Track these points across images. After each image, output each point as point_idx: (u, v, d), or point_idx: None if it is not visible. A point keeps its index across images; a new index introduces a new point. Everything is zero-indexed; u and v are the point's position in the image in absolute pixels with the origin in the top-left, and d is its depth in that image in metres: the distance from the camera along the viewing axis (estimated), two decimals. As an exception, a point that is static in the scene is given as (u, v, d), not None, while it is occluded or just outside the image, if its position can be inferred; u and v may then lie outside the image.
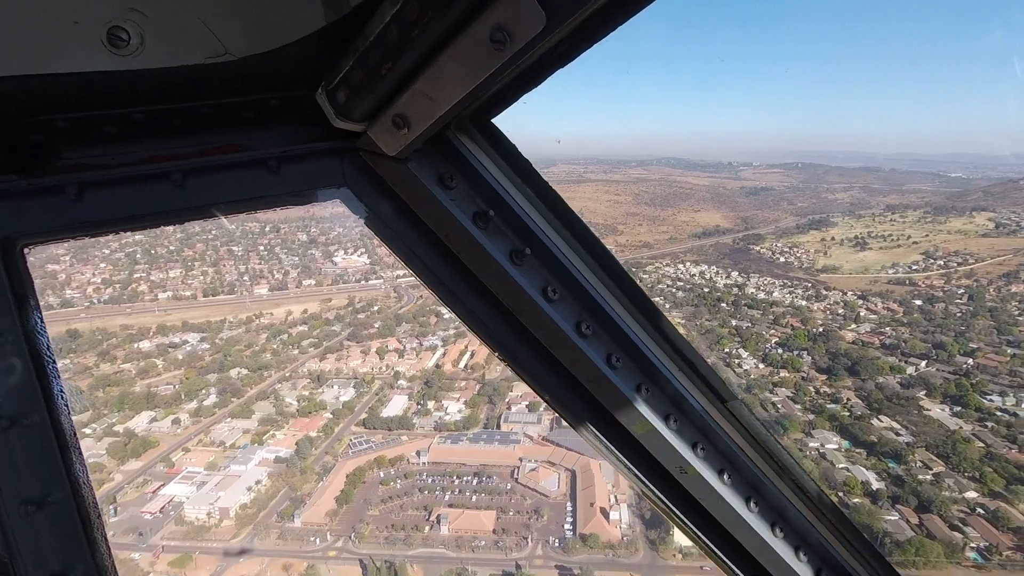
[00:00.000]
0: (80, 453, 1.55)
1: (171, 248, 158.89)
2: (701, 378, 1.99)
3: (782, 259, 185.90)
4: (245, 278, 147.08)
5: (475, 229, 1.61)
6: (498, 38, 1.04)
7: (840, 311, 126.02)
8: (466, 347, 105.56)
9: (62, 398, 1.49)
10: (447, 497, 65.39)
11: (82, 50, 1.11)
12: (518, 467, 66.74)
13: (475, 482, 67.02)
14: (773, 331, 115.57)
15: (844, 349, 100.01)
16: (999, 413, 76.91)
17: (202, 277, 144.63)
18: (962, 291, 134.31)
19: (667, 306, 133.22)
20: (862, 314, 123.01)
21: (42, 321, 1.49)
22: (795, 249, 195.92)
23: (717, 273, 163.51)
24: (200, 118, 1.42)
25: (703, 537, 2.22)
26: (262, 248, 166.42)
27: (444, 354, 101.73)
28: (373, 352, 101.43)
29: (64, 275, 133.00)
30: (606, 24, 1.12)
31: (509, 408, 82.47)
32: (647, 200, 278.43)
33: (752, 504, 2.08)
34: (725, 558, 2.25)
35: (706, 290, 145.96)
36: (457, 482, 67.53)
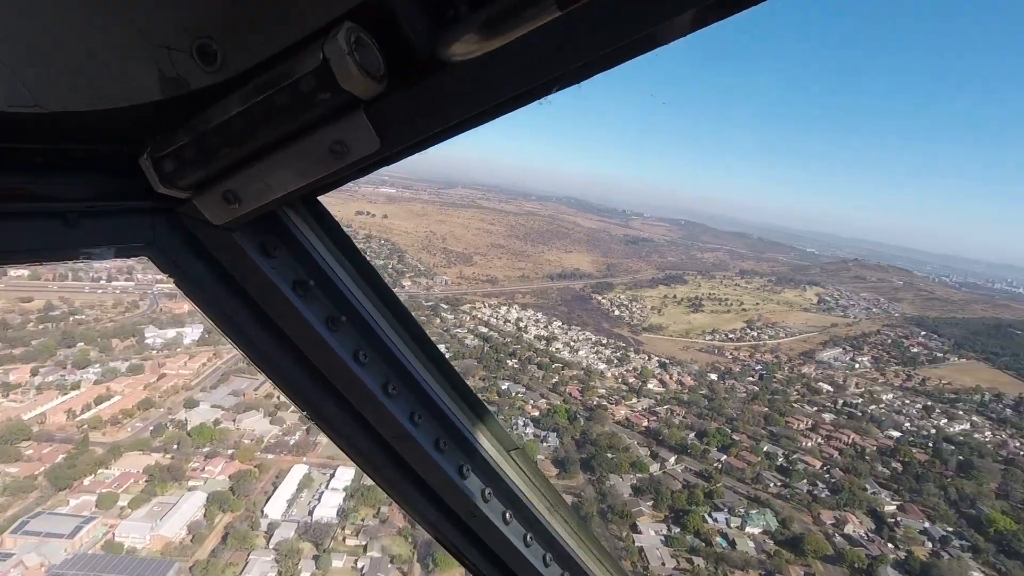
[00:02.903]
0: None
1: None
2: (491, 430, 2.19)
3: (616, 312, 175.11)
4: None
5: (294, 296, 1.63)
6: (337, 150, 1.18)
7: (632, 380, 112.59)
8: (122, 389, 78.34)
9: None
10: None
11: None
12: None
13: None
14: (544, 400, 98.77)
15: (598, 434, 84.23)
16: (718, 540, 62.41)
17: None
18: (759, 367, 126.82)
19: (449, 354, 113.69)
20: (650, 386, 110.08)
21: None
22: (634, 303, 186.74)
23: (538, 321, 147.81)
24: None
25: (487, 575, 2.44)
26: None
27: (76, 396, 73.83)
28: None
29: None
30: (428, 144, 1.29)
31: (69, 501, 56.39)
32: (521, 234, 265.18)
33: (529, 538, 2.33)
34: None
35: (507, 340, 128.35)
36: None
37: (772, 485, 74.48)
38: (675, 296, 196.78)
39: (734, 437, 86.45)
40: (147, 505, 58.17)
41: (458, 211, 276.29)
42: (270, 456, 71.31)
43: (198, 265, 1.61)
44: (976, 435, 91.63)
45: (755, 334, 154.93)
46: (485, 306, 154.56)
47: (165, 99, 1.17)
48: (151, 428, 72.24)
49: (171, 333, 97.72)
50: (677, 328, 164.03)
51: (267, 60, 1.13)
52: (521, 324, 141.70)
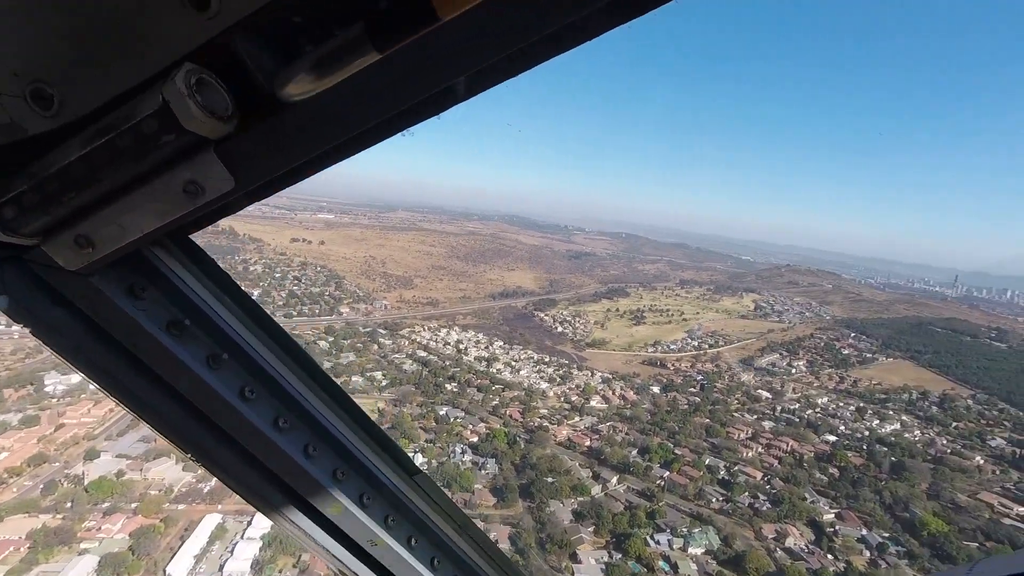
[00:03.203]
0: None
1: None
2: (392, 455, 2.19)
3: (559, 328, 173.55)
4: None
5: (167, 338, 1.60)
6: (190, 190, 1.18)
7: (574, 397, 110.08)
8: (11, 445, 69.14)
9: None
10: None
11: None
12: None
13: None
14: (483, 424, 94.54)
15: (538, 458, 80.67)
16: (660, 564, 59.81)
17: None
18: (700, 377, 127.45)
19: (384, 383, 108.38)
20: (592, 403, 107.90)
21: None
22: (577, 319, 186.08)
23: (479, 342, 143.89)
24: None
25: None
26: None
27: None
28: None
29: None
30: (290, 181, 1.33)
31: None
32: (462, 254, 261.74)
33: (436, 562, 2.36)
34: None
35: (446, 363, 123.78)
36: None
37: (714, 500, 73.01)
38: (618, 309, 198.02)
39: (676, 452, 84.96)
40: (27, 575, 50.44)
41: (398, 234, 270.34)
42: (181, 507, 64.14)
43: (56, 313, 1.53)
44: (906, 434, 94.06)
45: (696, 343, 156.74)
46: (425, 329, 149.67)
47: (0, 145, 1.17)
48: (41, 486, 63.75)
49: (76, 379, 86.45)
50: (620, 342, 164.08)
51: (107, 103, 1.12)
52: (461, 346, 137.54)
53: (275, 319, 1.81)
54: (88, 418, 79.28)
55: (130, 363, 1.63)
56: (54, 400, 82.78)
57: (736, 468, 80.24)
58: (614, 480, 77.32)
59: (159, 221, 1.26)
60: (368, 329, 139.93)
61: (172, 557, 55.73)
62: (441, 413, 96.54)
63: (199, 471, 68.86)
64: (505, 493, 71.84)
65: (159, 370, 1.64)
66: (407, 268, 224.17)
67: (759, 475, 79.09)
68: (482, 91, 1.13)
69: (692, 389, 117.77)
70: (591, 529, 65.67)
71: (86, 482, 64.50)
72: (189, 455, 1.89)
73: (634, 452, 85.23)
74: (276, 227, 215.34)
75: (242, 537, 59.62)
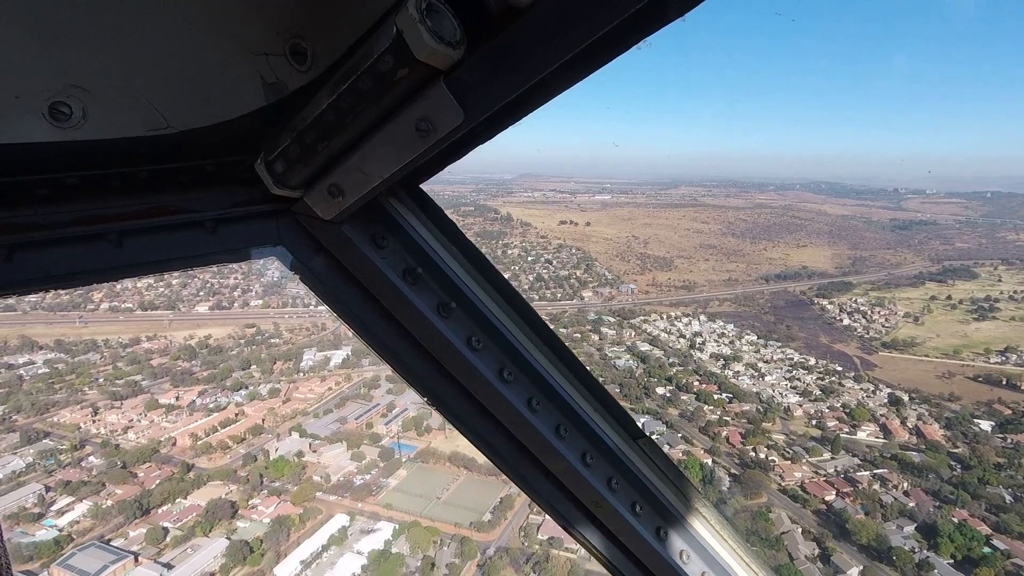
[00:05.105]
0: None
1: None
2: (615, 417, 2.15)
3: (845, 321, 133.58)
4: (201, 293, 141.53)
5: (404, 285, 1.70)
6: (423, 128, 1.19)
7: (832, 422, 79.16)
8: (251, 413, 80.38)
9: None
10: None
11: (22, 123, 1.11)
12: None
13: None
14: (684, 446, 75.46)
15: (739, 508, 58.62)
16: None
17: (163, 289, 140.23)
18: (1088, 416, 76.90)
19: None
20: (860, 435, 75.66)
21: None
22: (877, 309, 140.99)
23: (723, 335, 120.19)
24: (138, 181, 1.42)
25: (618, 567, 2.37)
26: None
27: (210, 419, 78.61)
28: (139, 406, 78.33)
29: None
30: (516, 115, 1.30)
31: (129, 533, 54.74)
32: (740, 231, 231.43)
33: (662, 533, 2.26)
34: None
35: (670, 360, 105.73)
36: None
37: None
38: (950, 296, 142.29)
39: (995, 543, 50.75)
40: (183, 546, 54.54)
41: (670, 211, 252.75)
42: (332, 498, 64.11)
43: (317, 260, 1.71)
44: None
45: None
46: (662, 318, 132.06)
47: (269, 104, 1.27)
48: (243, 457, 69.88)
49: (320, 356, 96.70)
50: (941, 343, 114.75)
51: (351, 47, 1.16)
52: (699, 340, 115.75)
53: (501, 272, 1.82)
54: (311, 394, 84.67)
55: (375, 308, 1.76)
56: (300, 375, 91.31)
57: None
58: (854, 572, 49.97)
59: (395, 164, 1.28)
60: (594, 317, 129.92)
61: (287, 556, 55.28)
62: (639, 423, 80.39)
63: (363, 461, 68.90)
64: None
65: (398, 316, 1.75)
66: (670, 248, 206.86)
67: None
68: None
69: (1062, 434, 71.70)
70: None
71: (271, 459, 68.59)
72: (425, 399, 1.97)
73: (907, 528, 54.49)
74: (550, 211, 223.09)
75: (355, 548, 56.33)
